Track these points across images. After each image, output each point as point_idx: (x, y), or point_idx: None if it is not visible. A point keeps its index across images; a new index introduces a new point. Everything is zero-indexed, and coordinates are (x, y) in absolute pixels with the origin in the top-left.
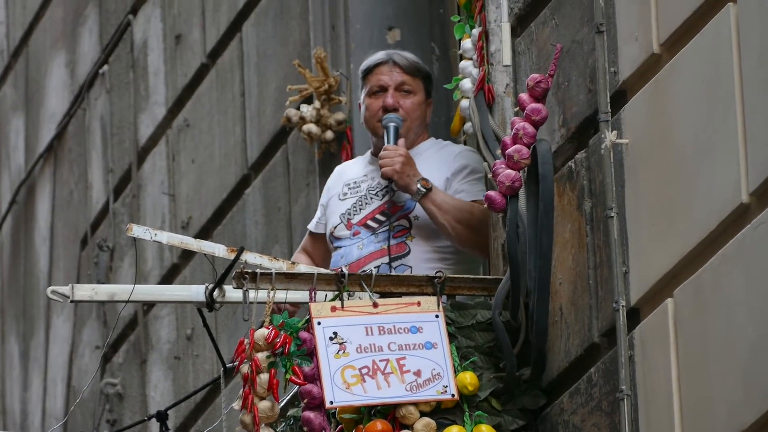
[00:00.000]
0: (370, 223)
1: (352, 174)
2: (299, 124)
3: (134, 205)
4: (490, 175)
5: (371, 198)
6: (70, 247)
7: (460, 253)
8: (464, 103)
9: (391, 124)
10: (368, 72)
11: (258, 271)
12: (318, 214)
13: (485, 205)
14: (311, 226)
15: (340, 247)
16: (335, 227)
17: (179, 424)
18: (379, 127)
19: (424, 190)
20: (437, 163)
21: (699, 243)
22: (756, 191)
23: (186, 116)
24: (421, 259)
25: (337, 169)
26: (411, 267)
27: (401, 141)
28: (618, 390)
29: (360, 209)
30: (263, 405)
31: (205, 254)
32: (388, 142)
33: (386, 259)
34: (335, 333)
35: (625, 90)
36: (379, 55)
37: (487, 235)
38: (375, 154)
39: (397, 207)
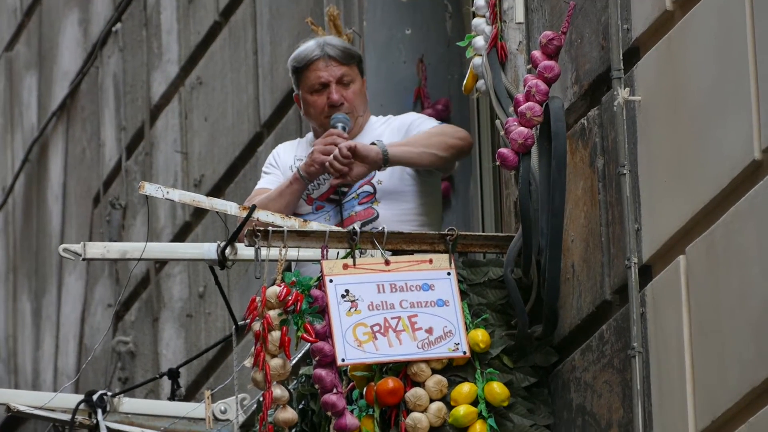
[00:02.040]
0: (332, 196)
1: (302, 154)
2: None
3: (147, 163)
4: (502, 133)
5: (328, 174)
6: (83, 205)
7: (425, 214)
8: (477, 60)
9: (339, 125)
10: (304, 68)
11: (270, 228)
12: (272, 177)
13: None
14: (267, 184)
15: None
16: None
17: (191, 382)
18: (327, 124)
19: (383, 153)
20: (390, 133)
21: (711, 200)
22: None
23: (199, 74)
24: (390, 221)
25: (280, 147)
26: (385, 228)
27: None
28: (629, 347)
29: (319, 185)
30: (275, 362)
31: (217, 212)
32: None
33: (357, 225)
34: (347, 291)
35: (638, 47)
36: (312, 49)
37: (453, 131)
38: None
39: (376, 164)
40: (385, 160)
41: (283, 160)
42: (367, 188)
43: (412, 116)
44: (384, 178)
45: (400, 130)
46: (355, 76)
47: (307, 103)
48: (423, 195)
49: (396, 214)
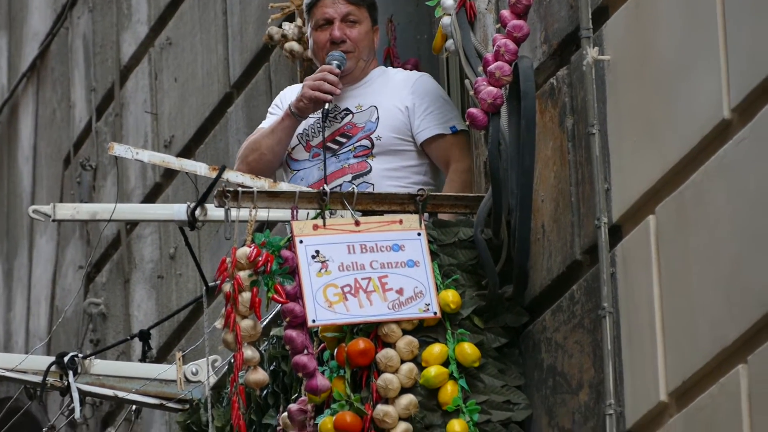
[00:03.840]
0: (330, 144)
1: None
2: (281, 42)
3: (117, 124)
4: (471, 93)
5: (329, 121)
6: (54, 166)
7: (422, 173)
8: (446, 20)
9: (334, 62)
10: (312, 5)
11: (240, 189)
12: (274, 118)
13: (462, 139)
14: (267, 123)
15: (299, 170)
16: (293, 148)
17: (162, 344)
18: (326, 61)
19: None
20: (393, 90)
21: (681, 159)
22: (738, 107)
23: (168, 35)
24: (382, 176)
25: (288, 89)
26: (373, 185)
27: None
28: (600, 307)
29: (319, 131)
30: (245, 324)
31: (186, 173)
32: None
33: (348, 178)
34: (317, 251)
35: (606, 6)
36: None
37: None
38: None
39: (358, 128)
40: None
41: (288, 101)
42: (365, 142)
43: (419, 79)
44: (383, 134)
45: (402, 86)
46: (363, 18)
47: (313, 40)
48: (420, 155)
49: (389, 169)
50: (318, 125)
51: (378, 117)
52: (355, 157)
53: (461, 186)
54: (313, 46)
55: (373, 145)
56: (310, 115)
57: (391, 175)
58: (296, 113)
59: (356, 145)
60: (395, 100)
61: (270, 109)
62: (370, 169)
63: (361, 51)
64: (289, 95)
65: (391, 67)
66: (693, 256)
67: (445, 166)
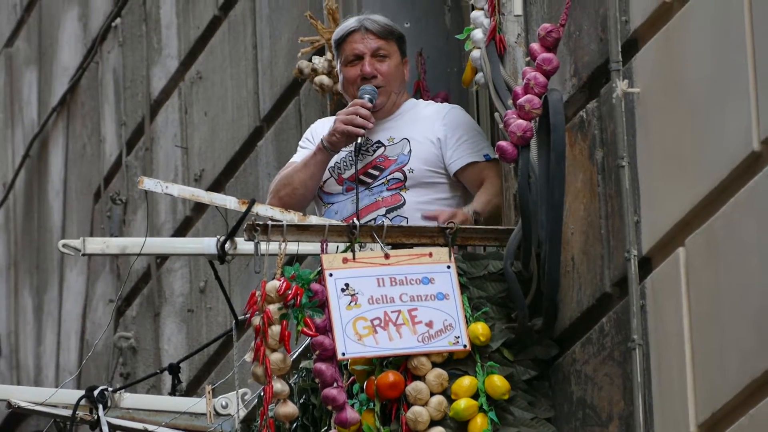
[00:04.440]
0: (362, 178)
1: None
2: (311, 76)
3: (147, 158)
4: (501, 126)
5: (362, 154)
6: (84, 200)
7: (455, 206)
8: (475, 53)
9: (366, 96)
10: (342, 41)
11: (269, 223)
12: (305, 152)
13: (495, 166)
14: (299, 158)
15: (333, 203)
16: (325, 182)
17: (192, 377)
18: (357, 96)
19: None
20: (424, 122)
21: (710, 192)
22: (767, 139)
23: (198, 69)
24: (416, 209)
25: (318, 122)
26: (407, 218)
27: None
28: (630, 339)
29: (351, 164)
30: (275, 357)
31: (216, 206)
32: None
33: (382, 211)
34: (347, 284)
35: (636, 39)
36: (351, 23)
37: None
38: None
39: (390, 161)
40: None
41: (319, 135)
42: (398, 175)
43: (450, 111)
44: (415, 166)
45: (434, 118)
46: (393, 52)
47: (343, 75)
48: (453, 188)
49: (423, 202)
50: (350, 158)
51: (410, 150)
52: (388, 190)
53: (496, 190)
54: (343, 81)
55: (405, 177)
56: (342, 149)
57: (424, 207)
58: (329, 147)
59: (389, 178)
60: (427, 132)
61: (300, 143)
62: (404, 202)
63: (392, 85)
64: (319, 129)
65: (422, 100)
66: (723, 288)
67: (479, 188)
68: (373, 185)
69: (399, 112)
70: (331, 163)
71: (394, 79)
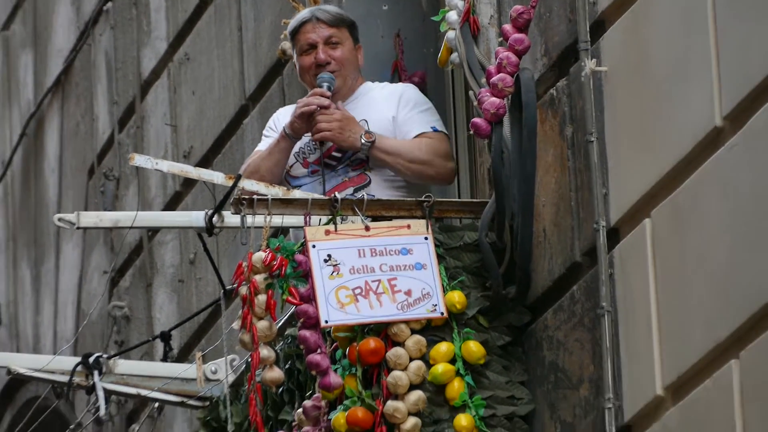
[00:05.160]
0: (327, 161)
1: None
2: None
3: (138, 135)
4: (475, 103)
5: (317, 145)
6: (78, 176)
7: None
8: (450, 34)
9: (324, 84)
10: (296, 32)
11: (255, 197)
12: (269, 140)
13: (441, 137)
14: (263, 146)
15: (300, 185)
16: (291, 166)
17: (183, 344)
18: (314, 84)
19: (368, 143)
20: (380, 104)
21: (675, 165)
22: (729, 115)
23: (186, 50)
24: (382, 186)
25: (283, 109)
26: (373, 195)
27: (340, 104)
28: (599, 306)
29: (315, 149)
30: (261, 324)
31: (204, 182)
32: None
33: (350, 191)
34: (329, 255)
35: (603, 20)
36: (303, 14)
37: (441, 164)
38: None
39: (354, 149)
40: (365, 150)
41: (281, 123)
42: (360, 155)
43: (405, 90)
44: None
45: (390, 98)
46: (345, 39)
47: (299, 64)
48: None
49: (387, 180)
50: (313, 143)
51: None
52: (353, 170)
53: (424, 153)
54: (299, 70)
55: (367, 159)
56: (304, 135)
57: (389, 185)
58: (291, 134)
59: (352, 159)
60: (383, 112)
61: (264, 132)
62: (369, 180)
63: (347, 70)
64: (282, 117)
65: (377, 82)
66: (687, 257)
67: None
68: (338, 167)
69: (355, 95)
70: (296, 148)
71: (348, 63)
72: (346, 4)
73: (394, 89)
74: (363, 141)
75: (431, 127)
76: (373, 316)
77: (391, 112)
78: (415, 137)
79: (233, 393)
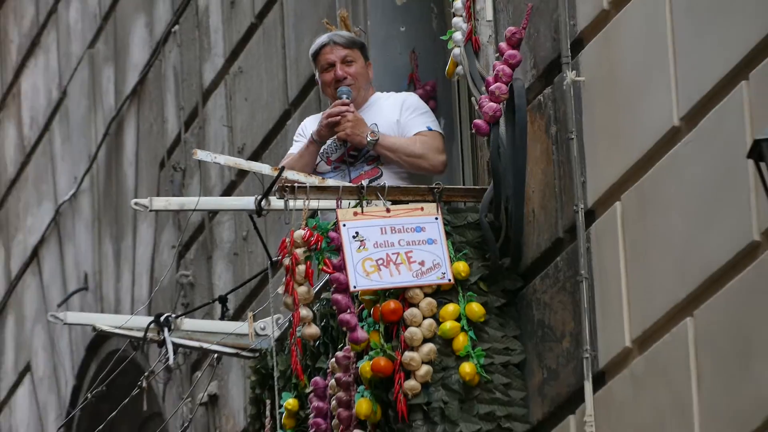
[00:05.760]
0: (346, 158)
1: None
2: None
3: (200, 135)
4: (477, 107)
5: (339, 145)
6: (151, 169)
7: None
8: (456, 51)
9: (344, 95)
10: (317, 54)
11: (296, 185)
12: (299, 144)
13: (435, 135)
14: (294, 149)
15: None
16: (317, 164)
17: (238, 306)
18: (335, 95)
19: (373, 141)
20: (387, 110)
21: (640, 158)
22: (685, 116)
23: (240, 64)
24: (392, 177)
25: (309, 119)
26: (385, 183)
27: (352, 108)
28: (578, 274)
29: (335, 151)
30: (301, 289)
31: (254, 172)
32: None
33: (366, 182)
34: (357, 232)
35: (582, 39)
36: (322, 39)
37: (434, 158)
38: None
39: (362, 145)
40: (371, 146)
41: (308, 130)
42: (373, 153)
43: (406, 98)
44: None
45: (394, 105)
46: (358, 58)
47: (321, 80)
48: None
49: (396, 172)
50: (334, 144)
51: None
52: (368, 164)
53: (418, 147)
54: (321, 85)
55: (378, 157)
56: (327, 139)
57: (397, 176)
58: (317, 140)
59: (366, 156)
60: (390, 117)
61: (294, 137)
62: (381, 173)
63: (360, 83)
64: (308, 125)
65: (385, 93)
66: (650, 233)
67: None
68: (356, 162)
69: (367, 104)
70: (320, 150)
71: (361, 77)
72: (371, 27)
73: (398, 98)
74: (369, 139)
75: (426, 127)
76: (393, 282)
77: (395, 116)
78: (413, 135)
79: (278, 346)
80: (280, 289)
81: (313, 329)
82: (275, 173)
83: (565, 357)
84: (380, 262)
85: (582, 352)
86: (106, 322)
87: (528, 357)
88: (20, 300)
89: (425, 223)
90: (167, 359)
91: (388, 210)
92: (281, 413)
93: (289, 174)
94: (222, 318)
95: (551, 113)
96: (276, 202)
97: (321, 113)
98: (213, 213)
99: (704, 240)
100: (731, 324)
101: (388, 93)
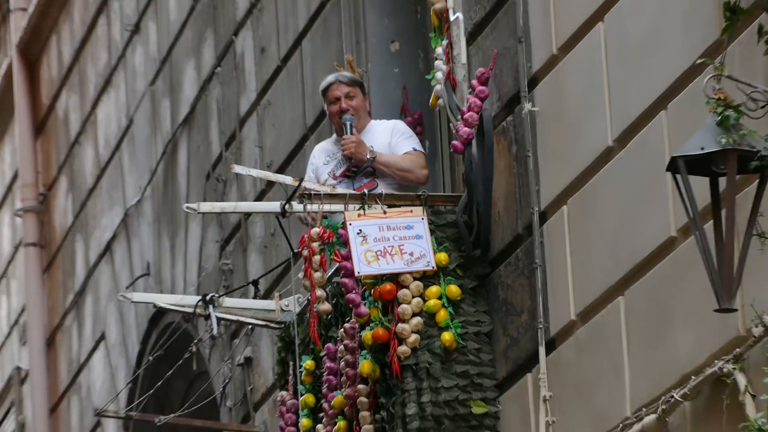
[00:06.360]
0: (348, 174)
1: (329, 149)
2: None
3: (238, 153)
4: (454, 131)
5: (344, 161)
6: (199, 180)
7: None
8: (438, 87)
9: (348, 122)
10: (326, 90)
11: (312, 192)
12: (309, 174)
13: (419, 154)
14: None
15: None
16: (325, 181)
17: (267, 287)
18: (339, 122)
19: (371, 158)
20: (381, 134)
21: (582, 171)
22: (617, 138)
23: (268, 98)
24: (385, 188)
25: (318, 146)
26: (383, 191)
27: (354, 131)
28: (534, 263)
29: (339, 167)
30: (317, 275)
31: (279, 183)
32: (346, 133)
33: (365, 191)
34: (360, 230)
35: (536, 77)
36: (330, 78)
37: (419, 172)
38: (340, 135)
39: (362, 162)
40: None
41: (317, 160)
42: (369, 169)
43: (396, 124)
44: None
45: (386, 130)
46: (358, 94)
47: (329, 111)
48: None
49: (389, 183)
50: (340, 163)
51: None
52: (366, 178)
53: (406, 164)
54: (329, 115)
55: (374, 171)
56: (333, 159)
57: (389, 187)
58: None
59: (364, 172)
60: (383, 140)
61: (309, 160)
62: (377, 185)
63: (359, 113)
64: (316, 152)
65: (378, 120)
66: (590, 230)
67: None
68: (356, 177)
69: (365, 130)
70: (328, 168)
71: (360, 109)
72: (371, 69)
73: (389, 124)
74: (368, 156)
75: (413, 147)
76: (389, 269)
77: (387, 139)
78: (402, 154)
79: (299, 319)
80: (300, 275)
81: (326, 306)
82: (296, 184)
83: (524, 327)
84: (379, 253)
85: (537, 324)
86: (164, 300)
87: (495, 327)
88: (97, 283)
89: (414, 223)
90: (212, 329)
91: (384, 212)
92: (301, 372)
93: (306, 184)
94: (254, 297)
95: (512, 136)
96: (297, 206)
97: (328, 139)
98: (247, 214)
99: (632, 235)
100: (653, 301)
101: (381, 120)
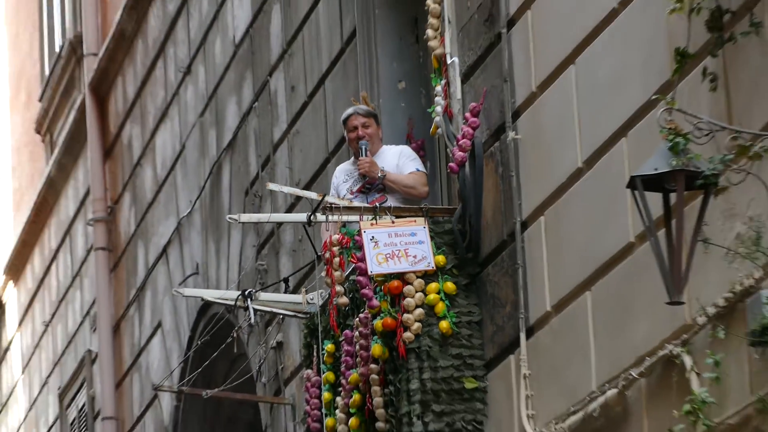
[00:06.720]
0: (363, 190)
1: (347, 169)
2: None
3: (271, 173)
4: (451, 155)
5: (360, 179)
6: (239, 195)
7: (412, 198)
8: (437, 118)
9: (363, 147)
10: (346, 119)
11: (333, 205)
12: (332, 190)
13: (422, 174)
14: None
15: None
16: (344, 196)
17: (296, 284)
18: (356, 147)
19: (381, 176)
20: (390, 157)
21: (557, 188)
22: (586, 160)
23: (297, 128)
24: (394, 201)
25: (338, 167)
26: (390, 205)
27: (368, 154)
28: (516, 263)
29: (356, 184)
30: (337, 273)
31: (306, 198)
32: (362, 155)
33: (377, 205)
34: (373, 236)
35: (519, 111)
36: (349, 111)
37: (421, 188)
38: (356, 157)
39: (375, 180)
40: (380, 180)
41: (337, 179)
42: (380, 186)
43: (403, 149)
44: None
45: (395, 154)
46: (372, 124)
47: (348, 138)
48: None
49: (397, 198)
50: (356, 180)
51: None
52: (377, 193)
53: (411, 182)
54: (348, 141)
55: (384, 188)
56: (351, 178)
57: (397, 201)
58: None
59: (377, 188)
60: (392, 162)
61: (332, 180)
62: (387, 199)
63: (374, 139)
64: (338, 172)
65: (389, 146)
66: (563, 237)
67: None
68: (370, 192)
69: (378, 154)
70: (347, 185)
71: (374, 136)
72: (382, 103)
73: (397, 149)
74: (379, 175)
75: (416, 168)
76: (396, 269)
77: (395, 161)
78: (408, 173)
79: (322, 310)
80: (323, 273)
81: (344, 299)
82: (320, 198)
83: (508, 317)
84: (388, 255)
85: (519, 314)
86: (210, 295)
87: (484, 317)
88: (155, 281)
89: (417, 231)
90: (250, 319)
91: (393, 222)
92: (323, 354)
93: (328, 198)
94: (285, 292)
95: (499, 159)
96: (321, 217)
97: (347, 161)
98: (279, 224)
99: (598, 241)
100: (616, 296)
101: (391, 146)
